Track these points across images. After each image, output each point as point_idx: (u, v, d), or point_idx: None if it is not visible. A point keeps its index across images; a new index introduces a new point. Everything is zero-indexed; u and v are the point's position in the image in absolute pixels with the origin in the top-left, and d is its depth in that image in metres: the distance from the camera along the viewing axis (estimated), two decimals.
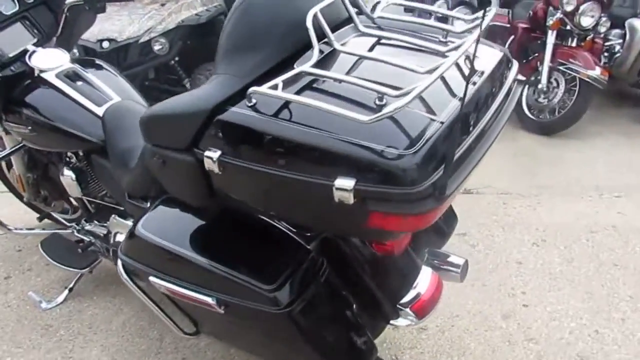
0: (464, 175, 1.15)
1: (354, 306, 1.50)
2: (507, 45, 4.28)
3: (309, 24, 1.21)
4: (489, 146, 1.26)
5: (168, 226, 1.49)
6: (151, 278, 1.47)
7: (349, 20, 1.41)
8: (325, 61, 1.27)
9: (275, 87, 1.13)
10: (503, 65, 1.40)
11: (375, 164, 1.05)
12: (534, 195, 3.07)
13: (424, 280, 1.59)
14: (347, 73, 1.23)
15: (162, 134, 1.32)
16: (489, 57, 1.38)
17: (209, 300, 1.38)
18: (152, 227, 1.48)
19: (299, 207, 1.22)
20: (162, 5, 4.01)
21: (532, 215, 2.87)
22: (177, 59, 4.02)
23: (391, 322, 1.58)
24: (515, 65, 1.48)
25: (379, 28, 1.41)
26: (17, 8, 2.09)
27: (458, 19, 1.40)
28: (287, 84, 1.17)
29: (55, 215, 2.44)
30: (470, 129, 1.20)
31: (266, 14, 1.28)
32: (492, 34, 4.45)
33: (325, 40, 1.30)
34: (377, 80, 1.17)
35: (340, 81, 1.16)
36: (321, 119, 1.09)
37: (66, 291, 2.28)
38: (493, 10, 1.42)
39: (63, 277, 2.39)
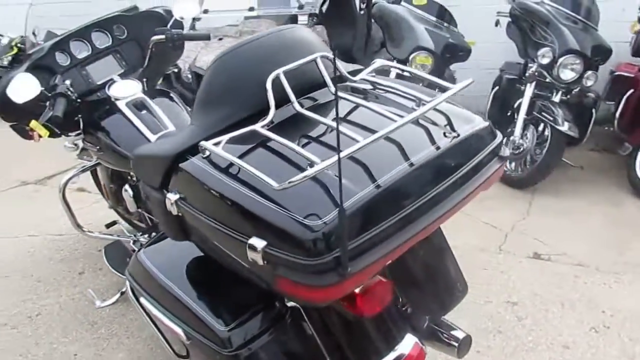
0: (380, 255, 1.10)
1: None
2: (624, 98, 3.88)
3: (269, 85, 1.27)
4: (432, 223, 1.19)
5: (161, 256, 1.63)
6: (141, 299, 1.61)
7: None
8: (285, 122, 1.31)
9: (218, 143, 1.20)
10: (474, 138, 1.32)
11: (283, 230, 1.06)
12: (615, 273, 2.71)
13: (403, 348, 1.52)
14: (298, 135, 1.25)
15: (144, 172, 1.46)
16: (459, 127, 1.31)
17: (178, 329, 1.47)
18: (150, 255, 1.63)
19: (230, 258, 1.26)
20: None
21: (604, 295, 2.53)
22: None
23: None
24: (498, 138, 1.38)
25: (355, 92, 1.42)
26: (110, 43, 2.42)
27: (443, 86, 1.35)
28: (239, 140, 1.23)
29: (121, 224, 2.74)
30: (402, 205, 1.15)
31: (236, 73, 1.36)
32: (616, 84, 4.07)
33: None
34: (325, 143, 1.19)
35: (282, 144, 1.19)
36: (251, 178, 1.13)
37: (118, 294, 2.54)
38: (469, 81, 1.34)
39: (121, 280, 2.67)
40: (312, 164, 1.09)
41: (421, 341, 1.60)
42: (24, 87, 2.07)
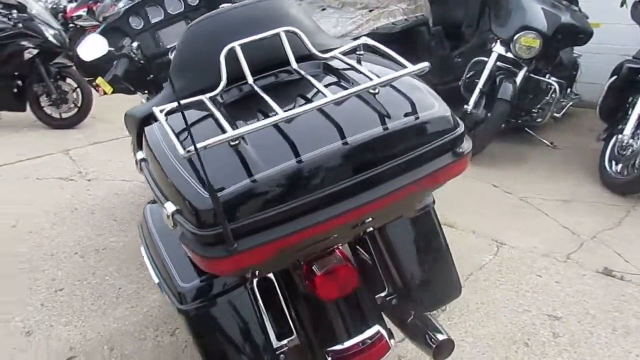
0: (277, 236, 1.07)
1: (271, 335, 1.50)
2: None
3: (222, 57, 1.27)
4: (348, 212, 1.12)
5: (158, 212, 1.75)
6: (141, 247, 1.75)
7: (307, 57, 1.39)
8: (240, 96, 1.31)
9: (166, 110, 1.25)
10: (422, 127, 1.19)
11: (184, 198, 1.09)
12: None
13: (364, 336, 1.48)
14: (240, 110, 1.25)
15: (129, 130, 1.56)
16: (409, 112, 1.19)
17: (155, 280, 1.59)
18: (151, 210, 1.75)
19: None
20: (370, 11, 4.21)
21: None
22: None
23: None
24: (457, 131, 1.23)
25: (325, 70, 1.37)
26: (182, 9, 2.58)
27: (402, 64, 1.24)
28: (186, 109, 1.27)
29: None
30: (311, 189, 1.10)
31: (202, 44, 1.38)
32: None
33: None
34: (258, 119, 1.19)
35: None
36: (174, 145, 1.16)
37: None
38: (424, 64, 1.21)
39: None
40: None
41: (390, 335, 1.54)
42: (93, 47, 2.30)
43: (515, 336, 2.12)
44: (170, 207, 1.12)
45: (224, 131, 1.09)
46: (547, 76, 4.01)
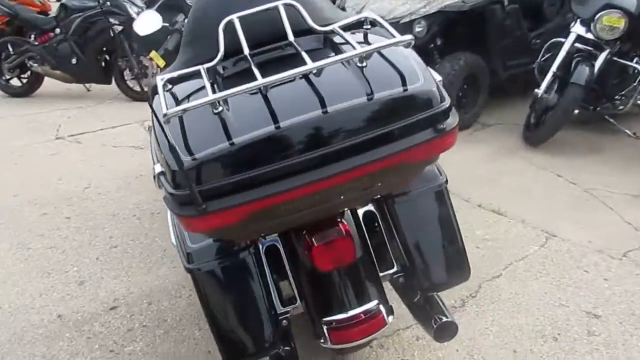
0: (247, 199, 1.11)
1: (276, 301, 1.55)
2: None
3: (220, 30, 1.32)
4: (320, 181, 1.13)
5: None
6: (167, 213, 1.87)
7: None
8: (236, 66, 1.35)
9: (167, 78, 1.32)
10: (404, 100, 1.15)
11: (164, 159, 1.15)
12: None
13: (361, 310, 1.50)
14: (234, 79, 1.30)
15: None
16: (392, 84, 1.16)
17: (174, 242, 1.69)
18: None
19: None
20: None
21: None
22: (438, 43, 4.08)
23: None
24: (441, 107, 1.18)
25: (325, 44, 1.37)
26: None
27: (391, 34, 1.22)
28: (185, 77, 1.34)
29: None
30: (285, 156, 1.13)
31: (208, 16, 1.43)
32: None
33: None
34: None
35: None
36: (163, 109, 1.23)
37: None
38: (407, 36, 1.17)
39: None
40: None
41: (389, 311, 1.54)
42: (148, 22, 2.44)
43: (544, 330, 2.02)
44: (157, 168, 1.20)
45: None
46: (635, 60, 3.68)
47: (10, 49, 5.41)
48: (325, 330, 1.49)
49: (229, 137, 1.12)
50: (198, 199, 1.09)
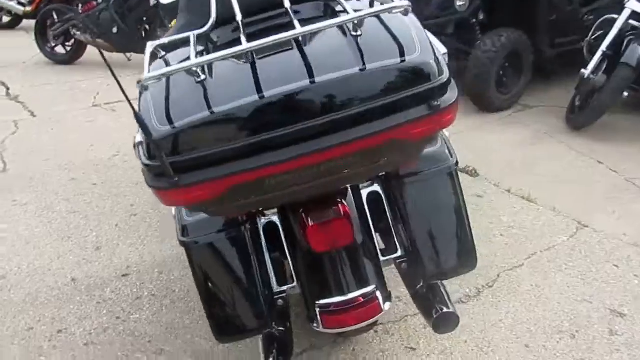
0: (222, 174, 1.05)
1: (272, 279, 1.51)
2: None
3: None
4: (301, 157, 1.06)
5: None
6: None
7: None
8: (224, 32, 1.29)
9: (153, 44, 1.28)
10: (393, 73, 1.06)
11: (141, 128, 1.10)
12: None
13: (356, 294, 1.43)
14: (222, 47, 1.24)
15: None
16: (384, 55, 1.07)
17: (174, 213, 1.67)
18: None
19: None
20: None
21: None
22: (481, 18, 3.87)
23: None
24: (437, 81, 1.07)
25: (320, 10, 1.29)
26: None
27: None
28: (178, 42, 1.29)
29: None
30: (263, 129, 1.07)
31: None
32: None
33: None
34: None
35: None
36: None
37: None
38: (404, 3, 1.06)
39: None
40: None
41: (387, 298, 1.47)
42: None
43: (562, 326, 1.90)
44: (137, 138, 1.16)
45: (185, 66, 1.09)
46: None
47: (55, 17, 5.53)
48: (318, 314, 1.43)
49: (206, 107, 1.07)
50: (169, 171, 1.04)
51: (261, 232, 1.53)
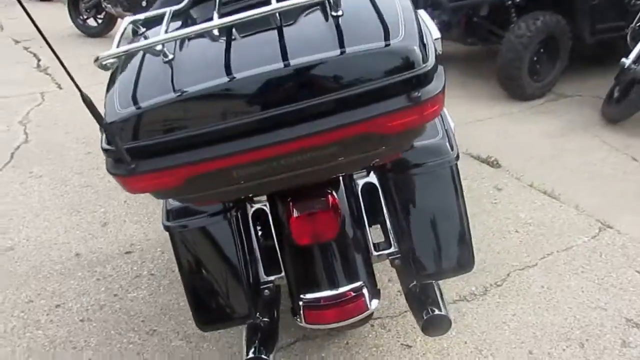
0: (181, 162, 1.00)
1: (260, 269, 1.45)
2: None
3: None
4: (266, 148, 0.99)
5: None
6: None
7: None
8: (200, 10, 1.22)
9: (128, 21, 1.23)
10: (370, 59, 0.96)
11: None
12: None
13: (340, 291, 1.36)
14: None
15: None
16: (362, 39, 0.97)
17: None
18: None
19: None
20: None
21: None
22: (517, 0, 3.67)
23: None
24: (420, 69, 0.97)
25: None
26: None
27: None
28: (160, 19, 1.23)
29: None
30: (226, 117, 1.01)
31: None
32: None
33: None
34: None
35: None
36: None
37: None
38: None
39: None
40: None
41: (375, 295, 1.40)
42: None
43: (571, 333, 1.78)
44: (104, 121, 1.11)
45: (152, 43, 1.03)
46: None
47: None
48: (301, 308, 1.37)
49: (167, 90, 1.01)
50: (125, 157, 0.99)
51: (249, 220, 1.47)
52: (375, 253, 1.48)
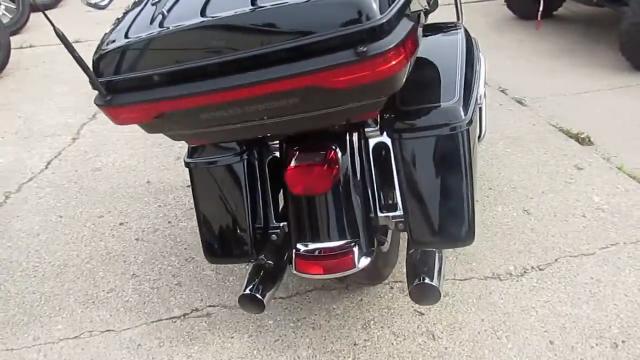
0: (152, 98, 1.05)
1: (271, 214, 1.51)
2: None
3: None
4: (228, 90, 1.00)
5: None
6: None
7: None
8: None
9: None
10: (320, 9, 0.92)
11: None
12: None
13: (328, 245, 1.38)
14: None
15: None
16: None
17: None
18: None
19: None
20: None
21: None
22: None
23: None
24: (371, 22, 0.90)
25: None
26: None
27: None
28: None
29: None
30: (191, 57, 1.04)
31: None
32: None
33: None
34: None
35: None
36: None
37: None
38: None
39: None
40: None
41: (366, 254, 1.39)
42: None
43: (607, 331, 1.60)
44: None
45: None
46: None
47: None
48: (293, 255, 1.41)
49: (139, 31, 1.08)
50: (101, 89, 1.08)
51: (265, 166, 1.52)
52: (380, 214, 1.45)
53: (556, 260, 1.89)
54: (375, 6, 0.94)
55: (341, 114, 1.15)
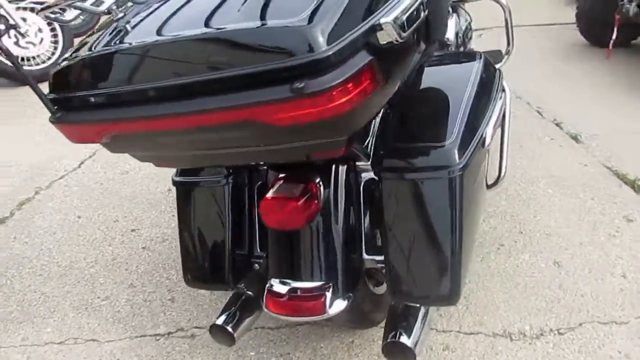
0: (99, 118, 1.01)
1: (257, 242, 1.43)
2: None
3: None
4: (176, 117, 0.93)
5: None
6: None
7: None
8: None
9: None
10: (265, 35, 0.84)
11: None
12: None
13: (300, 285, 1.27)
14: None
15: None
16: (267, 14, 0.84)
17: None
18: None
19: None
20: None
21: None
22: None
23: None
24: (316, 55, 0.79)
25: None
26: None
27: None
28: None
29: None
30: (144, 79, 0.96)
31: None
32: None
33: None
34: None
35: None
36: None
37: None
38: None
39: None
40: None
41: (339, 298, 1.26)
42: None
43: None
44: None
45: None
46: None
47: None
48: (264, 291, 1.31)
49: (99, 49, 1.02)
50: (48, 105, 1.04)
51: (255, 190, 1.44)
52: (366, 257, 1.32)
53: (580, 324, 1.67)
54: (320, 37, 0.83)
55: (298, 150, 1.05)
